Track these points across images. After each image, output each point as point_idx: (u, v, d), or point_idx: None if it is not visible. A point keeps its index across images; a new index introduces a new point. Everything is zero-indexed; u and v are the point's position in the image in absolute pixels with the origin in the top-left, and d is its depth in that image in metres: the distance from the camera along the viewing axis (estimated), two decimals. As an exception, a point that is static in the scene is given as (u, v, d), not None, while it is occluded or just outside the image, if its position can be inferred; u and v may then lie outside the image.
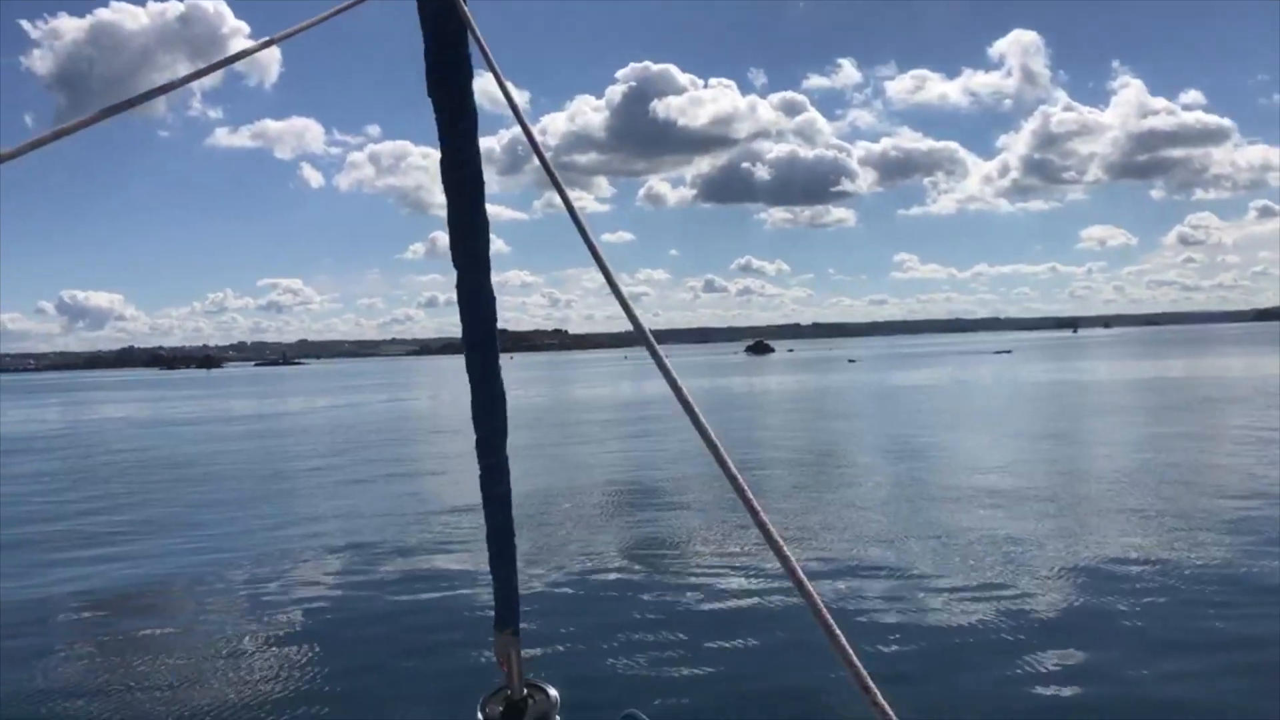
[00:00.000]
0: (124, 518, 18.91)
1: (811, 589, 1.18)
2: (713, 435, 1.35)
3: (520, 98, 2.03)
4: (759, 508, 1.26)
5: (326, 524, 17.12)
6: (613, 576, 12.65)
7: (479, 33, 1.85)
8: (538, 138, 1.85)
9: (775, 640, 9.61)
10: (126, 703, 8.60)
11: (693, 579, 12.30)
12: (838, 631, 1.15)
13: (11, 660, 9.90)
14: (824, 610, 1.17)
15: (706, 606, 10.98)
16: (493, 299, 2.44)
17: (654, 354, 1.42)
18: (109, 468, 28.80)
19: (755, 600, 11.12)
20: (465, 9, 1.86)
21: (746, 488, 1.29)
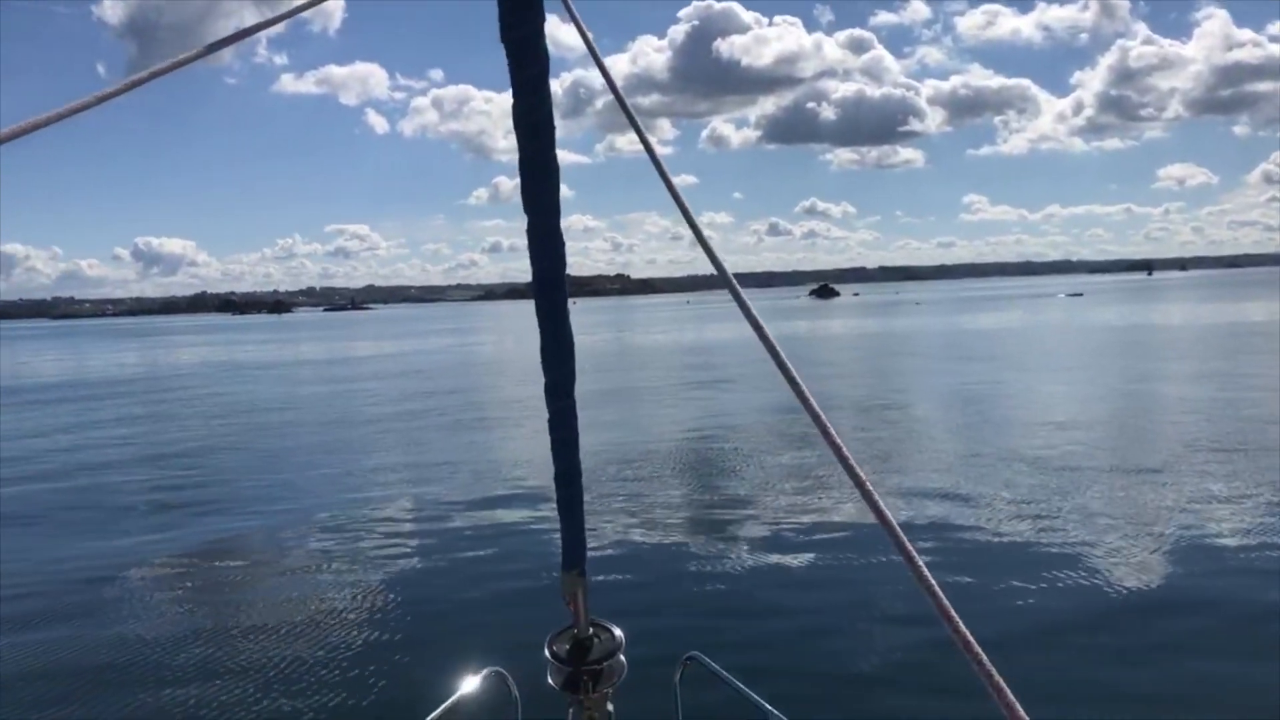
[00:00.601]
0: (200, 463, 19.47)
1: (907, 541, 1.11)
2: (800, 380, 1.28)
3: (580, 43, 1.97)
4: (849, 456, 1.19)
5: (397, 468, 17.43)
6: (680, 520, 12.69)
7: None
8: (610, 72, 1.77)
9: (848, 592, 9.54)
10: (205, 650, 8.88)
11: (762, 526, 12.24)
12: (939, 593, 1.08)
13: (96, 607, 10.28)
14: (925, 571, 1.09)
15: (775, 555, 10.89)
16: (562, 244, 2.40)
17: (737, 297, 1.35)
18: (185, 413, 29.63)
19: (828, 550, 11.00)
20: None
21: (835, 434, 1.22)
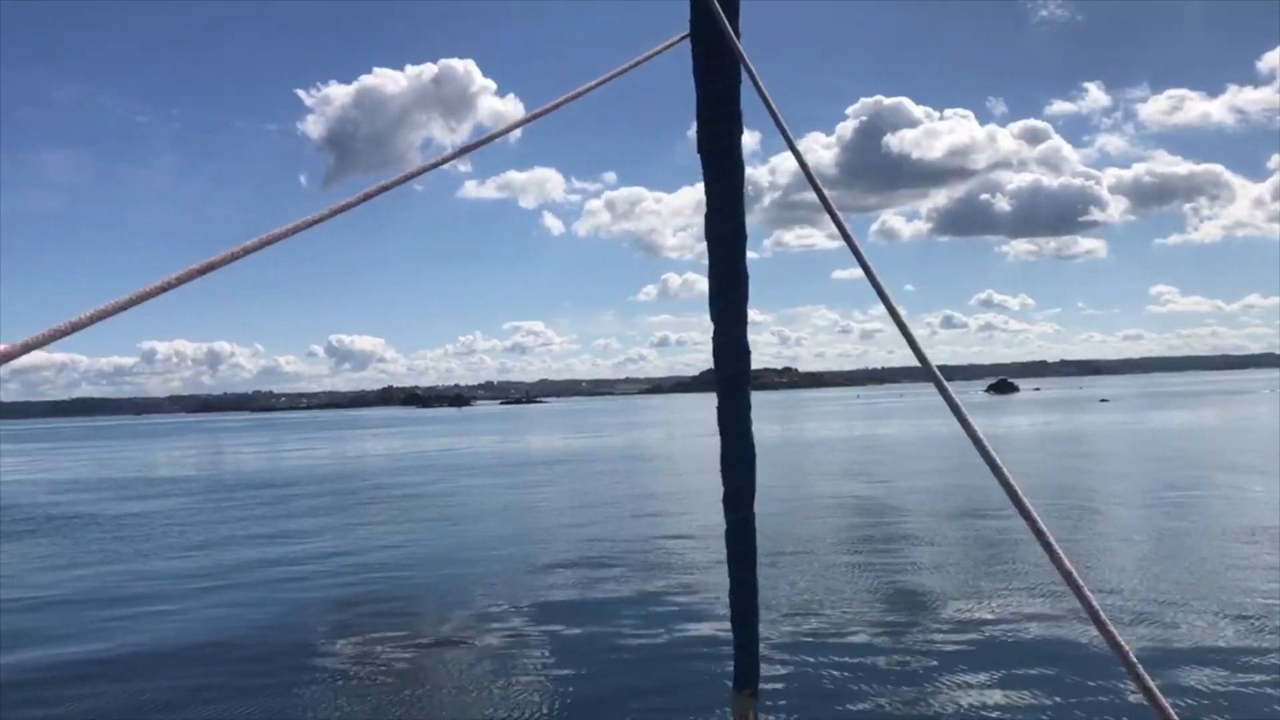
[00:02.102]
0: (384, 546, 20.26)
1: (1122, 640, 1.04)
2: (1006, 473, 1.25)
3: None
4: (1063, 555, 1.14)
5: (568, 567, 17.49)
6: (861, 638, 11.82)
7: (758, 77, 1.84)
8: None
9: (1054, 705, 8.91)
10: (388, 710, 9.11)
11: (954, 640, 11.40)
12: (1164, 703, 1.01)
13: (287, 680, 10.74)
14: (1146, 676, 1.02)
15: (975, 684, 10.08)
16: (748, 353, 2.41)
17: (941, 389, 1.33)
18: (373, 498, 30.99)
19: (1038, 675, 10.17)
20: (746, 59, 1.85)
21: (1047, 530, 1.17)
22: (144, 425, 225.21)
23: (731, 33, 1.87)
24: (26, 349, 1.19)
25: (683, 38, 1.88)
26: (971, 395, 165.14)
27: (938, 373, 1.35)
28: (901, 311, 1.51)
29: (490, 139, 1.66)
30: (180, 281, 1.29)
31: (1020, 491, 1.17)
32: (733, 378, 2.21)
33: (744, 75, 1.88)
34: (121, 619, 13.79)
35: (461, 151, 1.64)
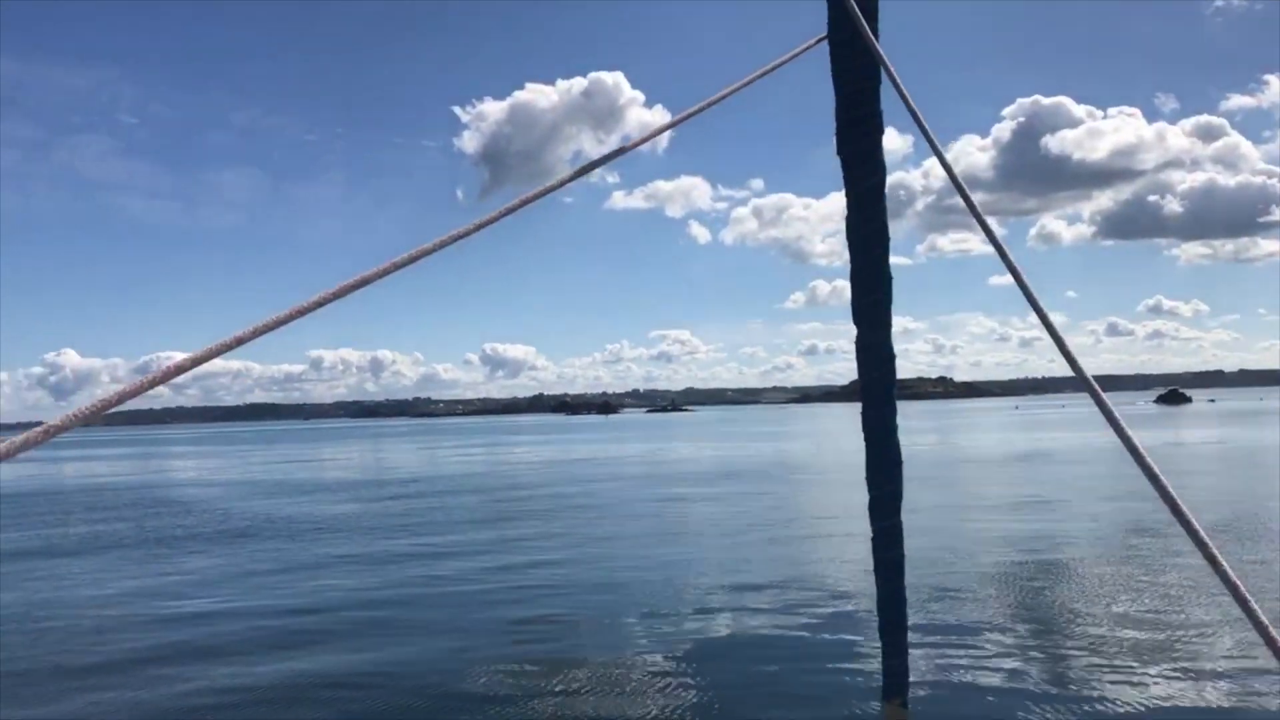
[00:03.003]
0: (535, 547, 20.75)
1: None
2: (1166, 483, 1.19)
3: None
4: (1229, 570, 1.08)
5: (711, 572, 17.51)
6: (1015, 649, 11.45)
7: (899, 79, 1.82)
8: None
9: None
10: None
11: (1113, 655, 10.96)
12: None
13: (435, 683, 11.13)
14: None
15: (1130, 693, 9.68)
16: (893, 357, 2.35)
17: (1099, 401, 1.28)
18: (522, 502, 31.77)
19: (1190, 680, 9.77)
20: (885, 60, 1.83)
21: (1210, 542, 1.11)
22: (312, 430, 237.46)
23: (870, 34, 1.85)
24: (210, 356, 1.29)
25: (820, 40, 1.86)
26: (1139, 406, 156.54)
27: (1092, 380, 1.31)
28: (1055, 319, 1.46)
29: (628, 149, 1.70)
30: (346, 292, 1.37)
31: (1181, 503, 1.13)
32: (877, 382, 2.18)
33: (884, 77, 1.85)
34: (282, 630, 14.55)
35: (599, 162, 1.67)
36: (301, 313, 1.31)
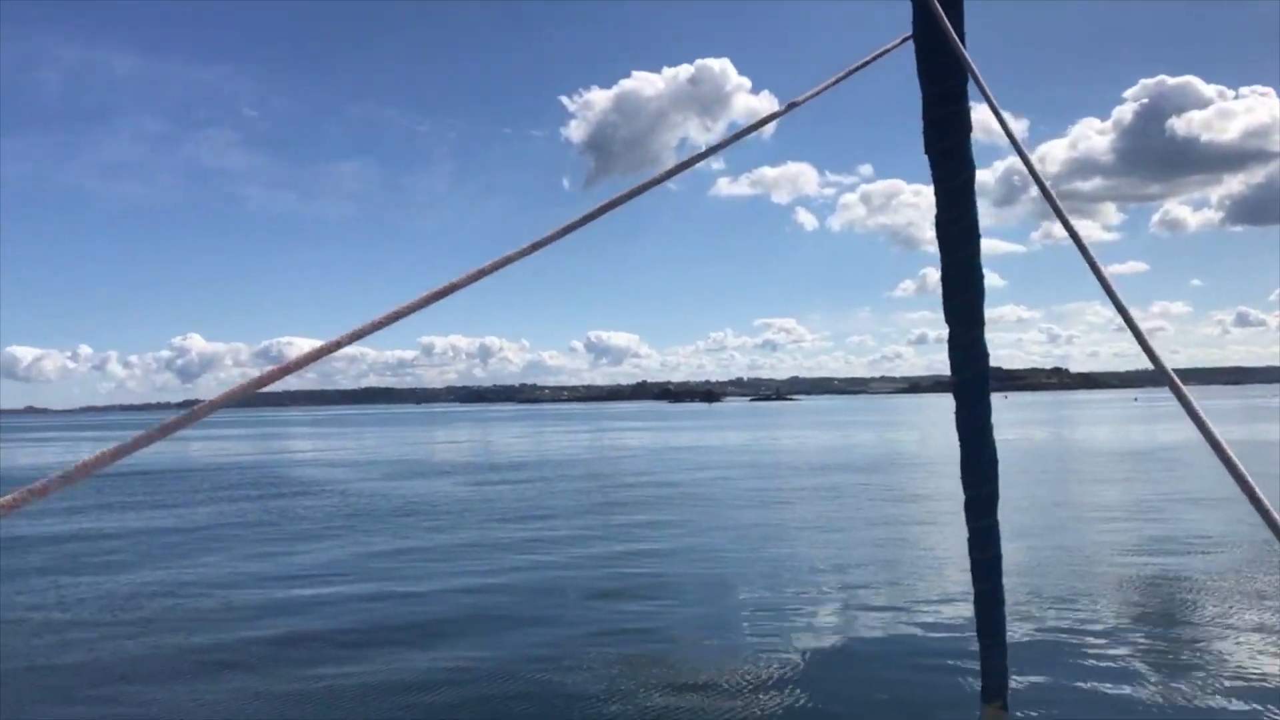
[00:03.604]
0: (638, 535, 21.00)
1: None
2: (1255, 487, 1.21)
3: (1017, 127, 1.98)
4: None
5: (807, 566, 17.44)
6: (1124, 655, 11.01)
7: (977, 70, 1.84)
8: (1036, 165, 1.79)
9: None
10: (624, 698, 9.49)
11: (1232, 671, 10.41)
12: None
13: (525, 651, 11.40)
14: None
15: (1238, 702, 9.33)
16: (986, 355, 2.34)
17: (1178, 394, 1.29)
18: (626, 489, 32.11)
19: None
20: (966, 56, 1.85)
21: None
22: (424, 414, 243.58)
23: (955, 35, 1.87)
24: (338, 346, 1.42)
25: (905, 39, 1.88)
26: (1273, 400, 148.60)
27: (1171, 373, 1.32)
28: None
29: (725, 143, 1.77)
30: (462, 285, 1.47)
31: (1268, 502, 1.15)
32: (970, 381, 2.18)
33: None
34: (393, 617, 15.06)
35: (705, 154, 1.75)
36: (423, 303, 1.41)
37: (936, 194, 2.09)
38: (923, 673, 10.57)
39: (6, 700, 10.24)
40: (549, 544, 19.81)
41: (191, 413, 1.34)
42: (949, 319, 2.21)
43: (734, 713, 9.32)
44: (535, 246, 1.50)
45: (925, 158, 2.22)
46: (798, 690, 9.92)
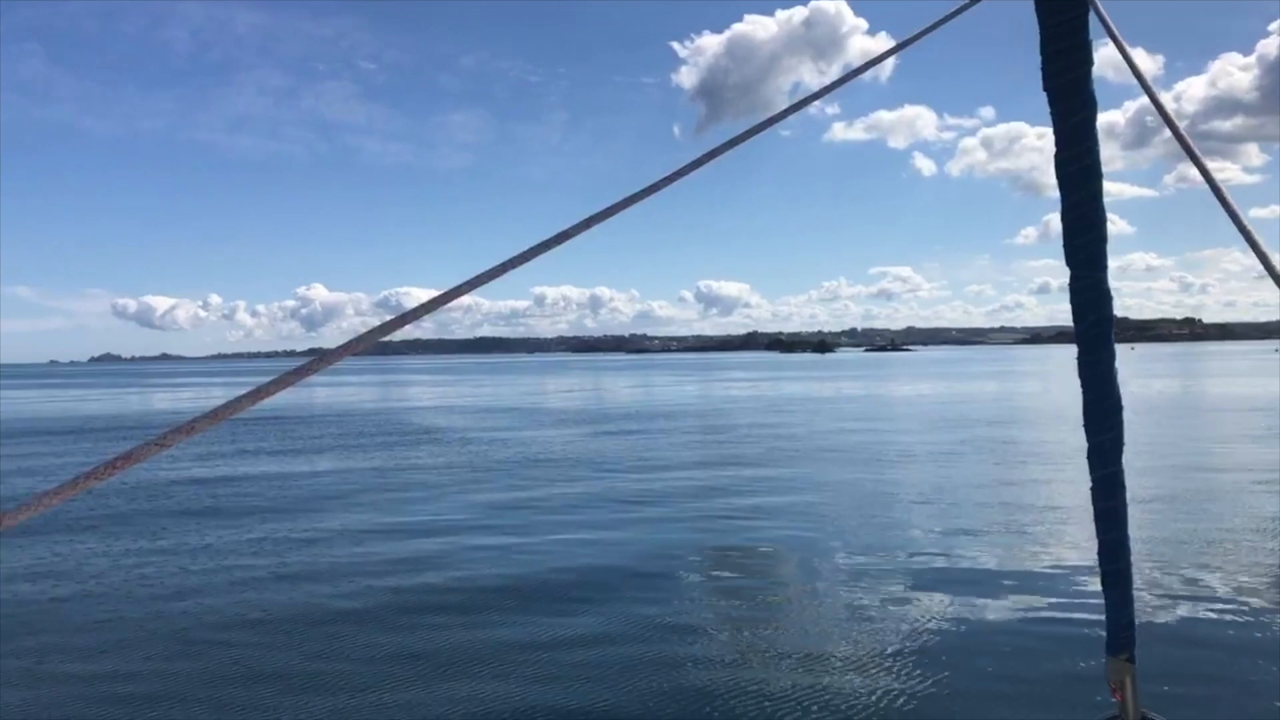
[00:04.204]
0: (745, 488, 21.04)
1: None
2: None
3: (1151, 65, 1.89)
4: None
5: (923, 519, 17.14)
6: (1256, 609, 10.71)
7: (1101, 6, 1.76)
8: (1169, 106, 1.71)
9: None
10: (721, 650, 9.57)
11: None
12: None
13: (628, 595, 11.58)
14: None
15: None
16: (1109, 299, 2.25)
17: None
18: (736, 444, 32.13)
19: None
20: None
21: None
22: (537, 363, 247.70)
23: None
24: (454, 296, 1.46)
25: None
26: None
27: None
28: (1276, 260, 1.40)
29: (836, 84, 1.74)
30: (574, 233, 1.49)
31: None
32: (1093, 325, 2.12)
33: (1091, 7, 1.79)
34: (513, 576, 15.43)
35: (814, 96, 1.72)
36: (535, 253, 1.44)
37: (1055, 133, 2.02)
38: (1047, 623, 10.41)
39: (160, 631, 10.97)
40: (664, 498, 19.86)
41: (320, 359, 1.40)
42: (1070, 262, 2.14)
43: (863, 686, 9.34)
44: (645, 192, 1.52)
45: (1048, 113, 2.14)
46: (910, 642, 9.84)
